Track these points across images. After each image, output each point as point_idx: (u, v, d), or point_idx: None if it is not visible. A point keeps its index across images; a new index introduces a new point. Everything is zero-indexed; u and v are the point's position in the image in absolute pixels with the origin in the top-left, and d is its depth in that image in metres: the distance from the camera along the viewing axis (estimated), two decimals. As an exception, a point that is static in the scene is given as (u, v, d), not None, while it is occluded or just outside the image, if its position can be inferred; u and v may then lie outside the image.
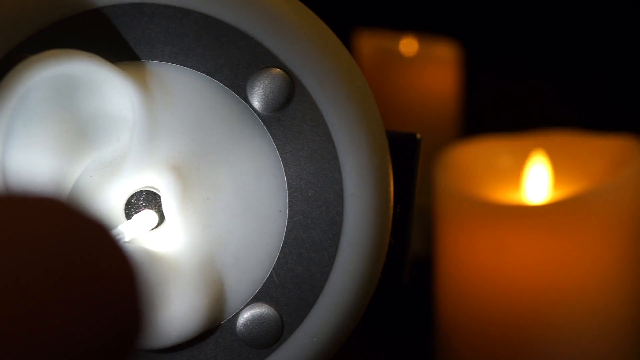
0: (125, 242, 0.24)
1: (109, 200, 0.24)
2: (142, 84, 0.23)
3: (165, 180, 0.24)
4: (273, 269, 0.25)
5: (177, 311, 0.23)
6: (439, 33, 0.67)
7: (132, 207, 0.24)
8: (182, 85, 0.24)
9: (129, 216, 0.24)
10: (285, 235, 0.25)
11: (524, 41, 0.72)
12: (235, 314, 0.25)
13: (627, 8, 0.69)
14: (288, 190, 0.25)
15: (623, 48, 0.69)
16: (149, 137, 0.24)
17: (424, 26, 0.69)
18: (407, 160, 0.30)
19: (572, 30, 0.71)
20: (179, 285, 0.24)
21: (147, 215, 0.24)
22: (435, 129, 0.64)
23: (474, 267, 0.45)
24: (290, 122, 0.25)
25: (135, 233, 0.24)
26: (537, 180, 0.49)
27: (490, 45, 0.72)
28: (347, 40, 0.48)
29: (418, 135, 0.30)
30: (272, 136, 0.25)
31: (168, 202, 0.24)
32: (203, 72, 0.24)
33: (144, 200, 0.24)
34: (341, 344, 0.27)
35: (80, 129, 0.23)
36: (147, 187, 0.24)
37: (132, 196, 0.24)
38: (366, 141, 0.25)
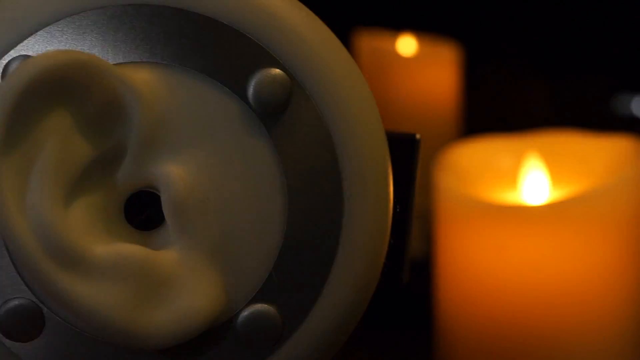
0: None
1: (108, 201, 0.24)
2: (142, 84, 0.23)
3: (165, 181, 0.24)
4: (272, 269, 0.25)
5: (176, 312, 0.23)
6: (438, 33, 0.67)
7: (132, 207, 0.24)
8: (181, 85, 0.24)
9: (128, 217, 0.24)
10: (285, 236, 0.25)
11: (524, 41, 0.72)
12: (235, 314, 0.25)
13: (626, 8, 0.69)
14: (287, 190, 0.25)
15: (623, 48, 0.69)
16: (149, 138, 0.24)
17: (424, 26, 0.69)
18: (407, 161, 0.29)
19: (571, 30, 0.71)
20: (178, 286, 0.24)
21: None
22: (434, 129, 0.64)
23: (473, 268, 0.46)
24: (290, 122, 0.25)
25: None
26: (536, 181, 0.49)
27: (490, 46, 0.71)
28: (346, 40, 0.48)
29: (418, 136, 0.30)
30: (271, 136, 0.24)
31: (167, 203, 0.24)
32: (202, 72, 0.24)
33: (144, 200, 0.24)
34: (342, 343, 0.27)
35: (79, 129, 0.23)
36: (146, 187, 0.24)
37: (132, 196, 0.24)
38: (365, 142, 0.25)
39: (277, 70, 0.24)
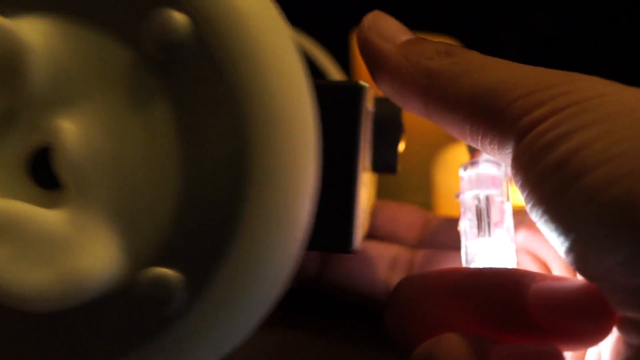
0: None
1: (7, 158, 0.23)
2: (35, 36, 0.22)
3: (56, 136, 0.22)
4: (174, 229, 0.23)
5: (61, 273, 0.22)
6: (439, 33, 0.67)
7: (32, 165, 0.23)
8: (75, 35, 0.23)
9: (31, 175, 0.23)
10: (184, 195, 0.23)
11: (524, 41, 0.72)
12: (135, 278, 0.23)
13: (627, 8, 0.69)
14: (187, 144, 0.23)
15: (624, 48, 0.69)
16: (43, 92, 0.22)
17: (424, 26, 0.69)
18: (351, 112, 0.27)
19: (572, 30, 0.71)
20: (66, 246, 0.22)
21: None
22: (435, 129, 0.64)
23: (473, 267, 0.45)
24: (188, 69, 0.22)
25: None
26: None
27: (490, 45, 0.72)
28: (347, 40, 0.48)
29: (363, 84, 0.28)
30: (168, 85, 0.23)
31: (59, 159, 0.22)
32: (97, 20, 0.23)
33: (40, 157, 0.23)
34: (262, 314, 0.24)
35: None
36: (44, 143, 0.23)
37: (30, 154, 0.23)
38: (276, 90, 0.23)
39: (175, 12, 0.22)
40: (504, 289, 0.26)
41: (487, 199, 0.32)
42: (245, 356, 0.47)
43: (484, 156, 0.33)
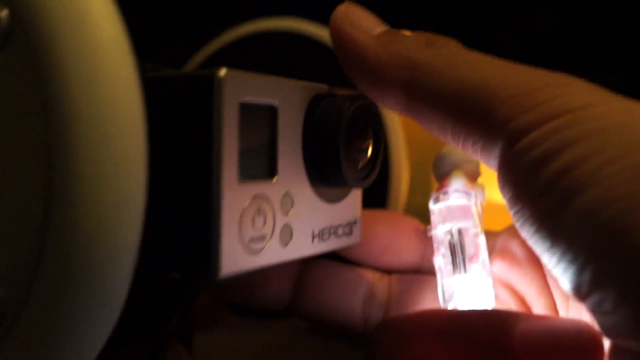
0: None
1: None
2: None
3: None
4: None
5: None
6: (439, 33, 0.67)
7: None
8: None
9: None
10: None
11: (524, 40, 0.72)
12: None
13: (627, 8, 0.69)
14: None
15: (624, 48, 0.69)
16: None
17: (424, 26, 0.69)
18: (205, 108, 0.24)
19: (572, 30, 0.71)
20: None
21: None
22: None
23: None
24: (9, 62, 0.21)
25: None
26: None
27: (490, 45, 0.71)
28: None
29: (222, 73, 0.24)
30: None
31: None
32: None
33: None
34: (96, 336, 0.21)
35: None
36: None
37: None
38: (87, 88, 0.20)
39: None
40: (488, 331, 0.25)
41: (460, 232, 0.31)
42: (244, 356, 0.46)
43: (453, 185, 0.32)
